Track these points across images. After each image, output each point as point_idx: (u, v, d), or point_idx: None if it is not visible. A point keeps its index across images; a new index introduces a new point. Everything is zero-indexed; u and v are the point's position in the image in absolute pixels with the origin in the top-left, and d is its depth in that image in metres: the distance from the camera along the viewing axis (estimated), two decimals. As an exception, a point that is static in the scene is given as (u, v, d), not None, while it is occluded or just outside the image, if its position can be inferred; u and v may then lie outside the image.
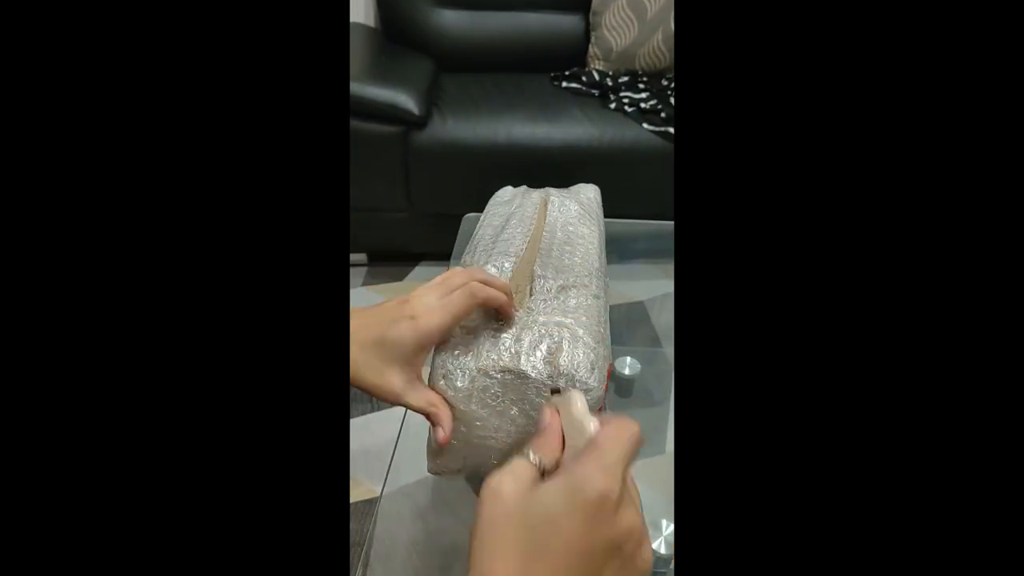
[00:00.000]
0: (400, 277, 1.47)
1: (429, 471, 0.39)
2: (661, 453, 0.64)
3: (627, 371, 0.66)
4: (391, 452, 0.54)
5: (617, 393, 0.68)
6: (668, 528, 0.43)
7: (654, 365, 0.80)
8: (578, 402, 0.28)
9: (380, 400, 0.34)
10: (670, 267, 1.34)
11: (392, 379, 0.33)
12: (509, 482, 0.25)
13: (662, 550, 0.43)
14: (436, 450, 0.38)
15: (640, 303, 1.25)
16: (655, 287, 1.28)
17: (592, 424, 0.27)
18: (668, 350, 1.07)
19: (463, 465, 0.37)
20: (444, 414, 0.35)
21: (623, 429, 0.25)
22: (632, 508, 0.24)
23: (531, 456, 0.26)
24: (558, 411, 0.28)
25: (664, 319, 1.22)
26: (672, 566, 0.45)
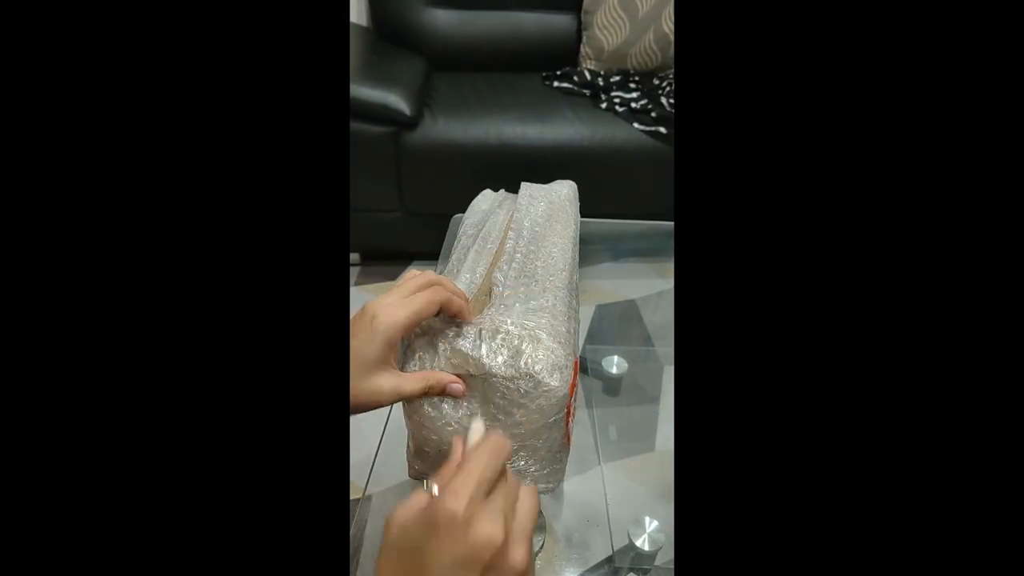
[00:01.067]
0: (392, 277, 1.47)
1: (409, 476, 0.39)
2: (651, 451, 0.65)
3: (614, 370, 0.67)
4: (376, 452, 0.54)
5: (605, 392, 0.68)
6: (652, 525, 0.44)
7: (646, 364, 0.81)
8: (475, 432, 0.30)
9: (384, 406, 0.35)
10: (662, 266, 1.35)
11: (382, 382, 0.33)
12: (400, 513, 0.27)
13: (645, 547, 0.43)
14: (413, 455, 0.38)
15: (632, 302, 1.25)
16: (647, 286, 1.28)
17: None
18: (660, 349, 1.07)
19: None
20: (442, 377, 0.35)
21: (482, 450, 0.28)
22: (488, 520, 0.26)
23: (433, 488, 0.27)
24: (463, 441, 0.30)
25: (657, 318, 1.23)
26: (655, 563, 0.45)
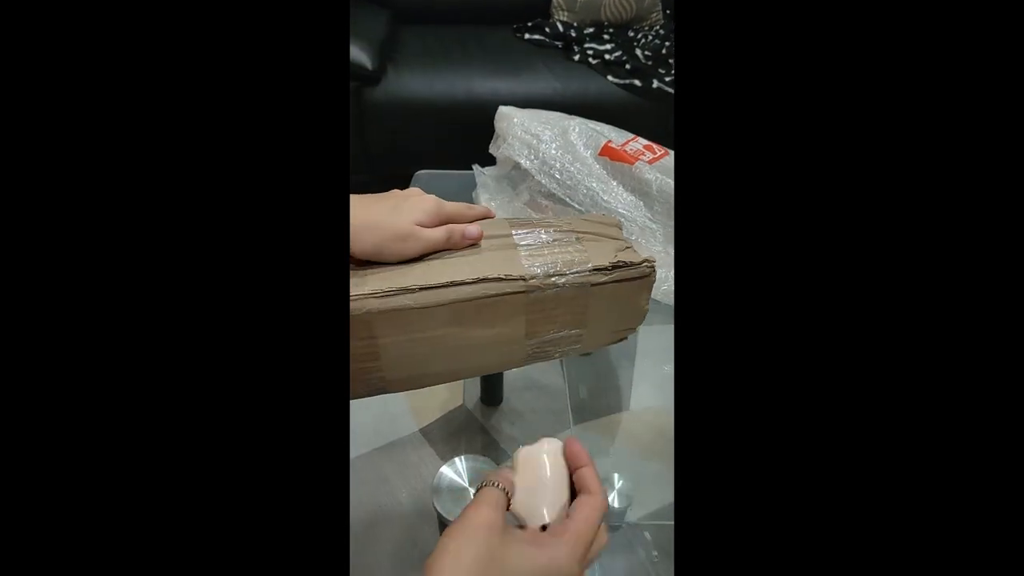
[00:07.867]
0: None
1: None
2: (624, 409, 0.64)
3: (586, 327, 0.65)
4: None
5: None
6: (620, 482, 0.43)
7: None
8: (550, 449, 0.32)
9: (409, 257, 0.36)
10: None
11: (408, 234, 0.35)
12: (484, 512, 0.28)
13: (615, 504, 0.42)
14: None
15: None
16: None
17: (548, 470, 0.31)
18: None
19: None
20: (459, 227, 0.37)
21: (593, 511, 0.29)
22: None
23: (497, 485, 0.30)
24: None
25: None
26: (626, 519, 0.45)
